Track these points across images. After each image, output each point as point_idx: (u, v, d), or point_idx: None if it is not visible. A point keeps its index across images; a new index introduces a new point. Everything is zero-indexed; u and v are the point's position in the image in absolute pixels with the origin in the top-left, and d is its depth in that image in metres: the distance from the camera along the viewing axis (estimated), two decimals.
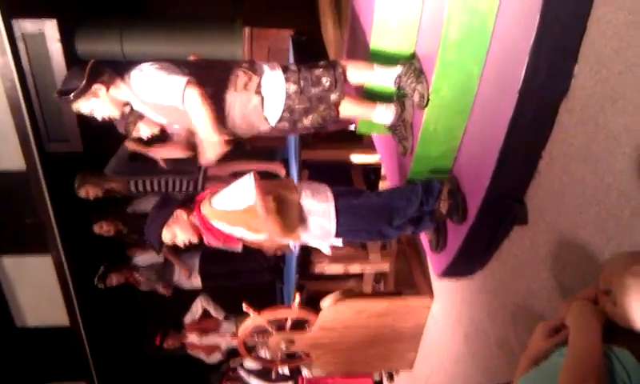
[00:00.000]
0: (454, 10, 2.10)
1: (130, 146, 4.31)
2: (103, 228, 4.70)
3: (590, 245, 1.74)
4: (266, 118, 2.52)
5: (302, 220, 2.53)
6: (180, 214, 2.54)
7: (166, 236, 2.55)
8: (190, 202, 2.60)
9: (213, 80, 2.42)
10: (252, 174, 2.47)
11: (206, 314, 5.17)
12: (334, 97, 2.54)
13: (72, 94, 2.33)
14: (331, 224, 2.56)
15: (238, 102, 2.45)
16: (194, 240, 2.60)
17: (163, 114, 2.49)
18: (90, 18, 4.74)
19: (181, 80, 2.30)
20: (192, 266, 5.04)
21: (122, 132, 3.48)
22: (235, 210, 2.44)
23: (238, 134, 2.63)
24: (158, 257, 4.97)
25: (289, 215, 2.49)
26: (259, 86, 2.46)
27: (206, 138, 2.37)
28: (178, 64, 2.41)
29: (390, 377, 4.28)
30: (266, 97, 2.48)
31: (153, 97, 2.37)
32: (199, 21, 4.91)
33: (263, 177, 2.60)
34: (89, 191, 4.43)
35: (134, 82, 2.38)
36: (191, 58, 2.63)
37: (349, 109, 2.63)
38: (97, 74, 2.37)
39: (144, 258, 5.06)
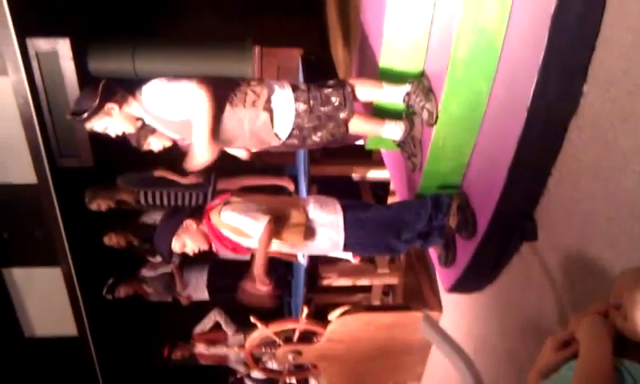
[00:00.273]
0: (462, 29, 2.14)
1: (158, 173, 4.42)
2: (113, 240, 4.75)
3: (600, 261, 1.75)
4: (276, 134, 2.55)
5: (309, 231, 2.56)
6: (189, 223, 2.58)
7: (176, 245, 2.58)
8: (199, 212, 2.64)
9: (222, 97, 2.46)
10: (268, 222, 2.48)
11: (216, 325, 5.20)
12: (343, 115, 2.56)
13: (85, 115, 2.37)
14: (339, 236, 2.59)
15: (247, 118, 2.48)
16: (204, 247, 2.63)
17: (174, 130, 2.52)
18: (102, 37, 4.81)
19: (189, 84, 2.35)
20: (199, 279, 5.08)
21: (134, 145, 3.53)
22: (241, 230, 2.49)
23: (250, 149, 2.67)
24: (166, 268, 5.02)
25: (292, 232, 2.54)
26: (267, 102, 2.48)
27: (198, 144, 2.41)
28: (188, 78, 2.45)
29: None
30: (275, 113, 2.51)
31: (164, 111, 2.41)
32: (210, 39, 4.98)
33: (272, 192, 2.64)
34: (100, 204, 4.49)
35: (145, 98, 2.41)
36: None
37: (358, 126, 2.66)
38: (109, 93, 2.41)
39: (152, 272, 5.09)
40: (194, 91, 2.33)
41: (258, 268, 2.48)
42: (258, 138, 2.55)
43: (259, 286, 2.54)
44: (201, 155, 2.43)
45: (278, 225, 2.51)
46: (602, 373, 1.08)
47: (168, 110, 2.40)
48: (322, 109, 2.54)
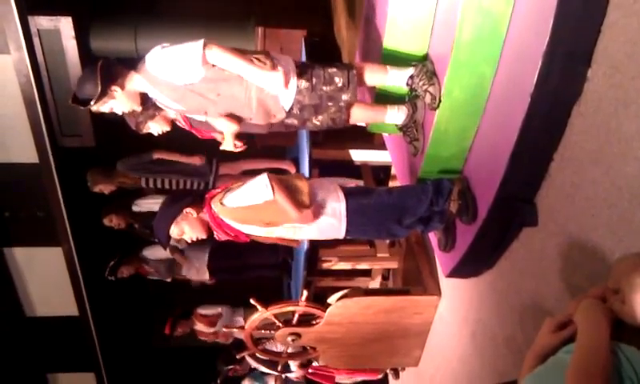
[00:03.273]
0: (467, 11, 2.13)
1: (158, 154, 4.42)
2: (113, 221, 4.76)
3: (600, 247, 1.75)
4: (281, 106, 2.52)
5: (313, 213, 2.55)
6: (189, 211, 2.56)
7: (174, 232, 2.56)
8: (199, 200, 2.63)
9: None
10: (265, 174, 2.48)
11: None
12: (345, 97, 2.55)
13: (91, 103, 2.37)
14: (342, 223, 2.58)
15: (254, 85, 2.45)
16: (202, 237, 2.61)
17: (178, 97, 2.47)
18: (104, 15, 4.79)
19: (197, 43, 2.32)
20: (201, 261, 5.10)
21: (133, 128, 3.52)
22: (251, 206, 2.47)
23: (255, 125, 2.64)
24: (167, 253, 5.03)
25: (301, 197, 2.50)
26: (274, 68, 2.43)
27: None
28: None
29: (396, 373, 4.31)
30: None
31: (169, 74, 2.37)
32: (212, 19, 4.94)
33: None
34: (102, 189, 4.51)
35: (149, 62, 2.38)
36: None
37: (360, 114, 2.64)
38: (109, 74, 2.39)
39: (153, 253, 5.11)
40: (205, 51, 2.31)
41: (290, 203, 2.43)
42: (264, 108, 2.51)
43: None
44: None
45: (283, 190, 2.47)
46: (598, 356, 1.08)
47: (173, 73, 2.36)
48: (325, 88, 2.52)
